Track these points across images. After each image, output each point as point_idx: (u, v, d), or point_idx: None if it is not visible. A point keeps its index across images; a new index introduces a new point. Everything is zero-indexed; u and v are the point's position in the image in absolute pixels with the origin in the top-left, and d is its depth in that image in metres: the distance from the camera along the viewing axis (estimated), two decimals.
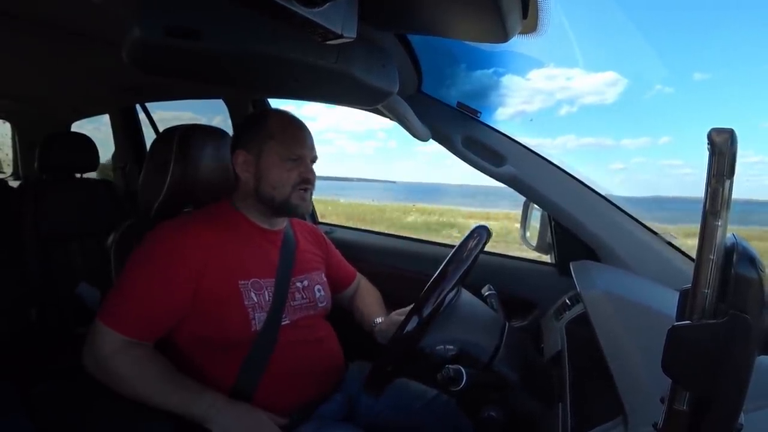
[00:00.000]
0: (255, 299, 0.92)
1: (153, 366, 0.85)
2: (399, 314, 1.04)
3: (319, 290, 1.06)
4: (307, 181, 0.98)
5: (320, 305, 1.04)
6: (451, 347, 0.78)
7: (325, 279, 1.11)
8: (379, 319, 1.11)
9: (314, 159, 1.01)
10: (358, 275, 1.27)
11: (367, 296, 1.23)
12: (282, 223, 1.05)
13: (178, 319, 0.89)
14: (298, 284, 1.02)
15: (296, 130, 0.99)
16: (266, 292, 0.94)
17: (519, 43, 0.81)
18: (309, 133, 1.01)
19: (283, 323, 0.95)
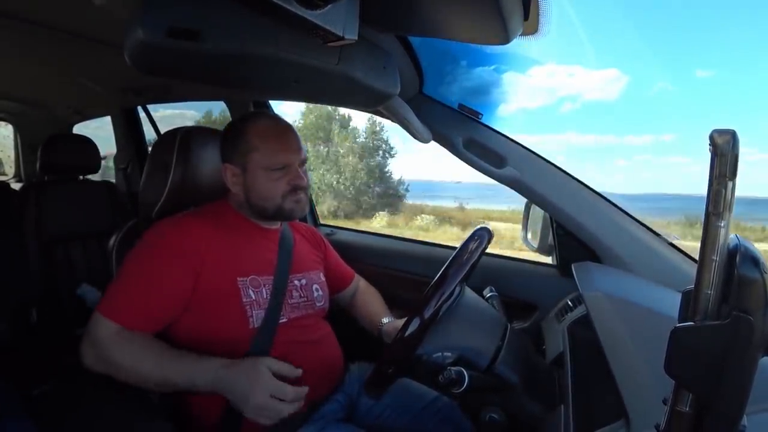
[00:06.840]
0: (253, 296, 0.92)
1: (151, 346, 0.84)
2: None
3: (317, 289, 1.05)
4: (298, 187, 0.96)
5: (318, 305, 1.04)
6: (449, 354, 0.78)
7: (323, 279, 1.11)
8: (385, 320, 1.10)
9: (303, 161, 0.98)
10: (357, 276, 1.27)
11: (369, 297, 1.22)
12: (278, 223, 1.06)
13: (177, 315, 0.89)
14: (296, 282, 1.01)
15: (278, 137, 0.95)
16: (264, 290, 0.94)
17: (521, 42, 0.81)
18: (294, 135, 0.98)
19: (281, 321, 0.94)
